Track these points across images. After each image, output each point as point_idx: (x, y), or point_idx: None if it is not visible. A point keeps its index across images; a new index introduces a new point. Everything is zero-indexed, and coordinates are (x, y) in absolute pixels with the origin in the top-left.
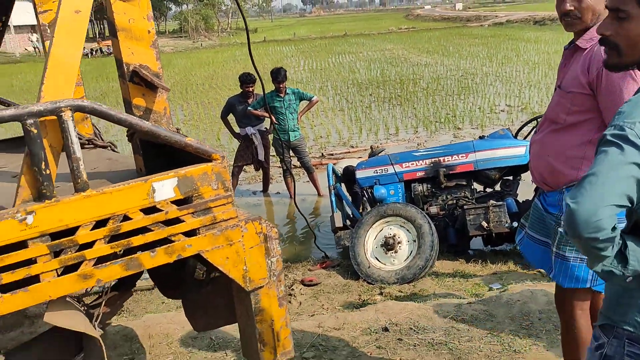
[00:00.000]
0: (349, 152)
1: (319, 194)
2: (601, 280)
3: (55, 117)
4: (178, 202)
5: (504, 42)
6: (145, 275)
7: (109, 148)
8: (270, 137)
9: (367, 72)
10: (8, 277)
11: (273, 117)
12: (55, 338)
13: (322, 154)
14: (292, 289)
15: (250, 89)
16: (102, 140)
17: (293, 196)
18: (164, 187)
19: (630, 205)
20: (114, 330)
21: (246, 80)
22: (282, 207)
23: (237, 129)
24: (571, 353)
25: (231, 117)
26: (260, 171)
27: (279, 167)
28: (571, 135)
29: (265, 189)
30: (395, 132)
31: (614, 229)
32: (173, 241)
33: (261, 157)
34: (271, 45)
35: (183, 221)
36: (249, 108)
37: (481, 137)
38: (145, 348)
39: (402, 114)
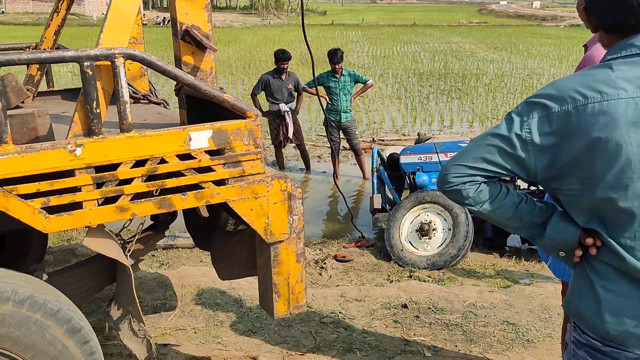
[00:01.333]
0: (400, 140)
1: (364, 177)
2: None
3: (109, 63)
4: (211, 153)
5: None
6: (187, 234)
7: (162, 105)
8: (295, 116)
9: (430, 63)
10: (55, 200)
11: (327, 97)
12: (94, 265)
13: (373, 138)
14: (325, 263)
15: (285, 66)
16: (157, 97)
17: (334, 175)
18: (200, 137)
19: (493, 171)
20: (151, 277)
21: (282, 57)
22: (327, 185)
23: (265, 108)
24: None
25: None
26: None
27: (329, 147)
28: None
29: (307, 168)
30: (449, 124)
31: (465, 184)
32: (203, 188)
33: (290, 134)
34: (338, 28)
35: (214, 170)
36: (304, 86)
37: None
38: (177, 296)
39: (459, 108)
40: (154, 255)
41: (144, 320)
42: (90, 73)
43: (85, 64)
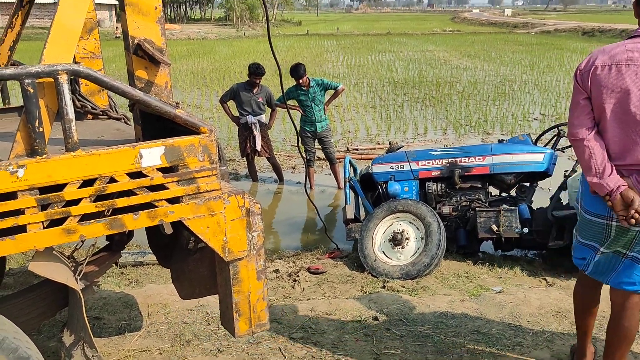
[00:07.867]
0: (374, 149)
1: (338, 187)
2: None
3: (52, 80)
4: (164, 170)
5: (549, 51)
6: None
7: (122, 120)
8: (265, 129)
9: (404, 72)
10: None
11: (300, 109)
12: (44, 289)
13: (348, 148)
14: (298, 276)
15: (257, 81)
16: (117, 112)
17: (304, 185)
18: (151, 154)
19: None
20: (116, 297)
21: (255, 71)
22: (301, 196)
23: (235, 114)
24: None
25: (232, 104)
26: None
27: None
28: None
29: (280, 179)
30: (424, 132)
31: None
32: (156, 206)
33: (258, 147)
34: (313, 38)
35: (167, 188)
36: (277, 102)
37: (500, 141)
38: (143, 316)
39: (433, 115)
40: (122, 273)
41: (106, 343)
42: (32, 91)
43: (26, 81)
